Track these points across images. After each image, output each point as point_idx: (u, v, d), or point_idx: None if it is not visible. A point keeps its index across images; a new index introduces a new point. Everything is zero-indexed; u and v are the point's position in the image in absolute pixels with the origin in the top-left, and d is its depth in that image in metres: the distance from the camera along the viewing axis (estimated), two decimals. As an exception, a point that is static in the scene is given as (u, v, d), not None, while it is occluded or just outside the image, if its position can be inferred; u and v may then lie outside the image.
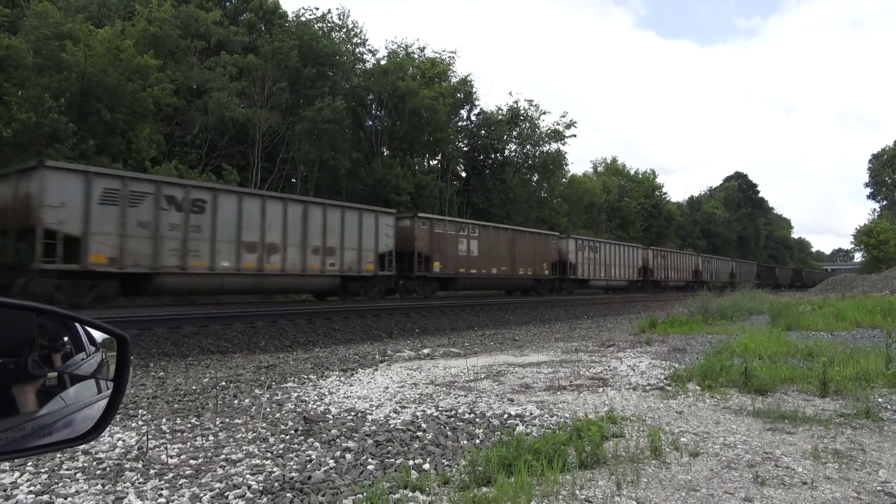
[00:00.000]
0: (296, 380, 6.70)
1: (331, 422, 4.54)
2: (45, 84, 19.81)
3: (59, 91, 19.86)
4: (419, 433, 4.15)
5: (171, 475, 3.36)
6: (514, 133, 42.98)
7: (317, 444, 3.95)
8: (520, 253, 28.41)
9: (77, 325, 1.09)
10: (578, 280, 33.05)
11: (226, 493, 3.04)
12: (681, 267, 46.79)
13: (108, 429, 1.11)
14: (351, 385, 6.23)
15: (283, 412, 4.95)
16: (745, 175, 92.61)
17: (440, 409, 4.88)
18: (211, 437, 4.17)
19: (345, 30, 34.96)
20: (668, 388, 5.79)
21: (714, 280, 50.24)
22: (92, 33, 21.42)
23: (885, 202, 69.50)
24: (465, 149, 41.79)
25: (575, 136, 63.44)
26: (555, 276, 31.37)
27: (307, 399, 5.49)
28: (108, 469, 3.48)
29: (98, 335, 1.12)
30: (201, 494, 3.04)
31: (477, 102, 42.46)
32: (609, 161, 66.07)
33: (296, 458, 3.63)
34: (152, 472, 3.42)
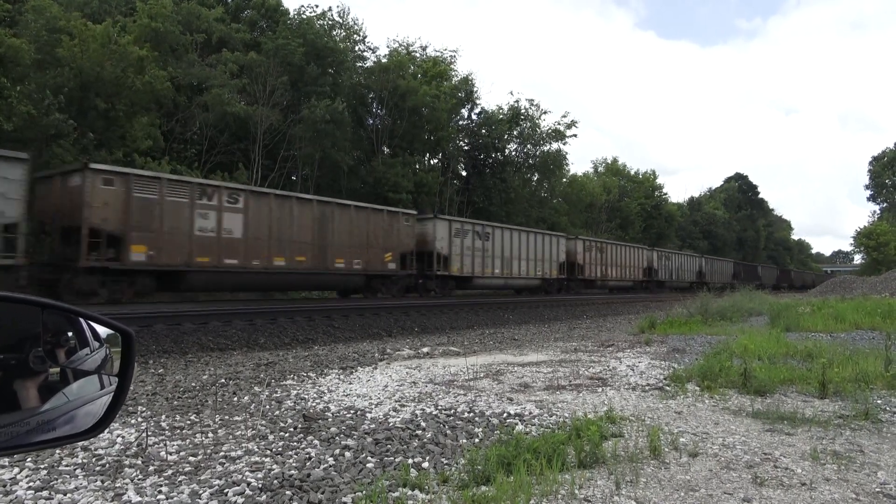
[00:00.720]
0: (295, 377, 6.70)
1: (330, 420, 4.54)
2: (42, 80, 19.80)
3: (56, 87, 19.84)
4: (418, 432, 4.15)
5: (170, 472, 3.36)
6: (515, 132, 42.98)
7: (316, 441, 3.95)
8: (338, 237, 19.93)
9: (81, 320, 1.09)
10: (455, 277, 24.83)
11: (225, 490, 3.04)
12: (626, 263, 37.45)
13: (110, 425, 1.11)
14: (350, 383, 6.23)
15: (283, 410, 4.95)
16: (746, 176, 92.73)
17: (439, 407, 4.88)
18: (210, 435, 4.17)
19: (345, 27, 35.00)
20: (668, 388, 5.79)
21: (675, 280, 44.11)
22: (88, 29, 21.39)
23: (885, 204, 69.55)
24: (466, 148, 41.80)
25: (575, 135, 63.51)
26: (410, 270, 23.16)
27: (306, 397, 5.49)
28: (107, 465, 3.48)
29: (102, 330, 1.12)
30: (200, 491, 3.04)
31: (478, 101, 42.50)
32: (609, 161, 66.11)
33: (295, 456, 3.63)
34: (151, 468, 3.42)
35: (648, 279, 40.14)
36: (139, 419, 4.66)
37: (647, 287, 39.81)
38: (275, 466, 3.42)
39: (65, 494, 3.03)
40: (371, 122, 35.70)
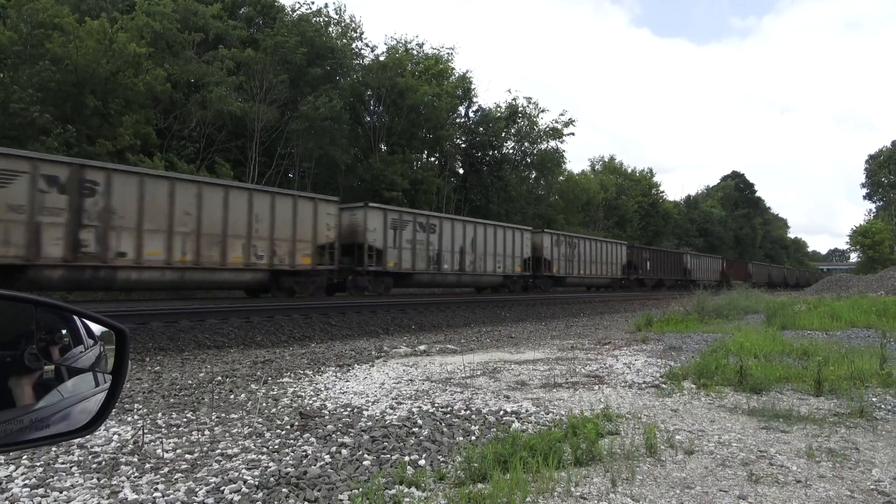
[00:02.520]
0: (292, 375, 6.70)
1: (327, 417, 4.54)
2: (28, 76, 19.68)
3: (42, 81, 19.71)
4: (415, 429, 4.15)
5: (166, 469, 3.36)
6: (513, 130, 42.97)
7: (313, 439, 3.95)
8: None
9: (75, 317, 1.09)
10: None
11: (221, 488, 3.04)
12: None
13: (105, 422, 1.11)
14: (347, 381, 6.23)
15: (279, 407, 4.95)
16: (743, 175, 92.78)
17: (436, 405, 4.89)
18: (207, 432, 4.17)
19: (342, 24, 34.92)
20: (664, 386, 5.80)
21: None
22: (82, 25, 21.26)
23: (881, 203, 69.76)
24: (463, 146, 41.78)
25: (573, 134, 63.37)
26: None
27: (303, 394, 5.49)
28: (103, 463, 3.48)
29: (96, 328, 1.12)
30: (197, 489, 3.04)
31: (475, 99, 42.45)
32: (607, 159, 66.16)
33: (292, 454, 3.63)
34: (148, 466, 3.42)
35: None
36: (135, 417, 4.65)
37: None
38: (271, 464, 3.42)
39: (60, 492, 3.02)
40: (369, 119, 35.66)
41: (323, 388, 5.78)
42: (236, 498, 2.94)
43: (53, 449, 3.64)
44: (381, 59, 35.74)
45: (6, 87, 19.03)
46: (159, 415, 4.72)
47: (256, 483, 3.10)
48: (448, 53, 40.70)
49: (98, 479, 3.20)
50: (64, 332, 1.07)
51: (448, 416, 4.54)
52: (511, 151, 43.60)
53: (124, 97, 21.74)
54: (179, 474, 3.28)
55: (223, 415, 4.71)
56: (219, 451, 3.70)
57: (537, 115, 43.52)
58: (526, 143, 43.81)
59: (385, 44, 45.78)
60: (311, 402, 5.14)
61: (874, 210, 71.22)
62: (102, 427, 4.07)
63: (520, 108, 42.96)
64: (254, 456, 3.58)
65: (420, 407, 4.81)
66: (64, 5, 22.39)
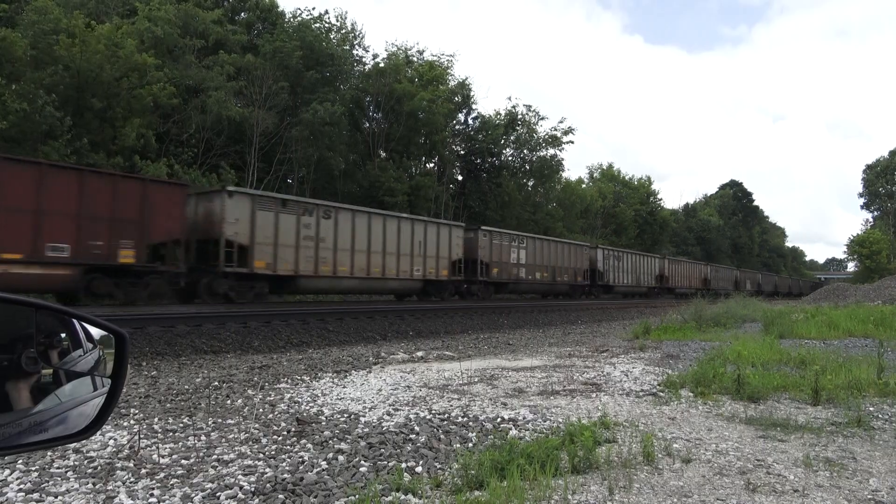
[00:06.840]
0: (289, 381, 6.69)
1: (323, 423, 4.53)
2: (39, 79, 19.74)
3: (52, 85, 19.77)
4: (412, 436, 4.15)
5: (162, 475, 3.35)
6: (512, 137, 43.07)
7: (309, 445, 3.94)
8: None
9: (75, 321, 1.09)
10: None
11: (217, 494, 3.03)
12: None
13: (102, 427, 1.10)
14: (344, 387, 6.21)
15: (276, 413, 4.93)
16: (741, 183, 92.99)
17: (433, 411, 4.88)
18: (203, 438, 4.16)
19: (342, 31, 35.01)
20: (661, 394, 5.80)
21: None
22: (90, 29, 21.36)
23: (878, 212, 69.87)
24: (462, 152, 41.83)
25: (572, 142, 63.16)
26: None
27: (300, 400, 5.47)
28: (99, 468, 3.46)
29: (96, 332, 1.12)
30: (193, 495, 3.03)
31: (474, 106, 42.55)
32: (605, 167, 66.26)
33: (288, 460, 3.62)
34: (143, 471, 3.40)
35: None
36: (132, 422, 4.63)
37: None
38: (268, 470, 3.41)
39: (56, 497, 3.01)
40: (367, 125, 35.71)
41: (320, 394, 5.77)
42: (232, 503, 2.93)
43: (49, 453, 3.63)
44: (381, 65, 35.84)
45: (24, 93, 19.03)
46: (156, 420, 4.71)
47: (252, 489, 3.09)
48: (448, 60, 40.86)
49: (93, 484, 3.19)
50: (63, 335, 1.07)
51: (445, 422, 4.53)
52: (510, 158, 43.71)
53: (128, 103, 21.80)
54: (175, 480, 3.27)
55: (220, 420, 4.69)
56: (215, 456, 3.69)
57: (536, 122, 43.70)
58: (525, 151, 43.93)
59: (385, 50, 45.95)
60: (308, 407, 5.13)
61: (871, 220, 71.37)
62: (99, 432, 4.06)
63: (519, 116, 43.10)
64: (250, 462, 3.57)
65: (417, 413, 4.80)
66: (68, 8, 22.47)
